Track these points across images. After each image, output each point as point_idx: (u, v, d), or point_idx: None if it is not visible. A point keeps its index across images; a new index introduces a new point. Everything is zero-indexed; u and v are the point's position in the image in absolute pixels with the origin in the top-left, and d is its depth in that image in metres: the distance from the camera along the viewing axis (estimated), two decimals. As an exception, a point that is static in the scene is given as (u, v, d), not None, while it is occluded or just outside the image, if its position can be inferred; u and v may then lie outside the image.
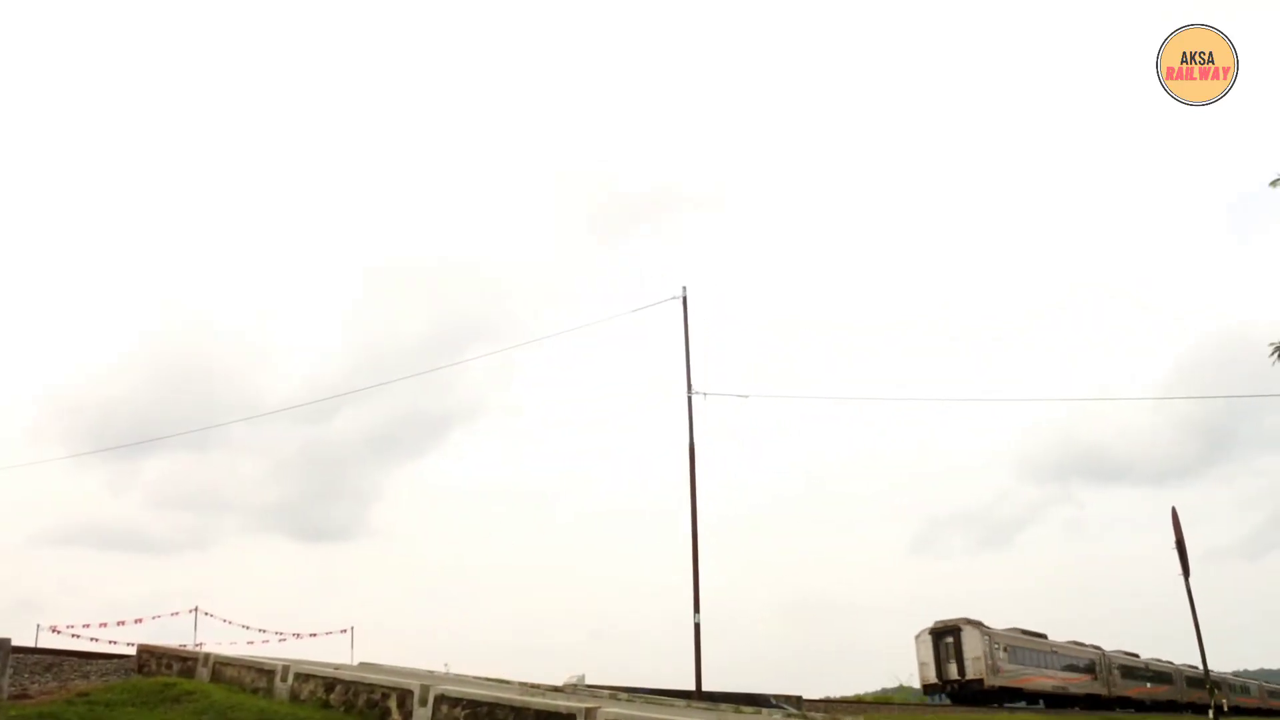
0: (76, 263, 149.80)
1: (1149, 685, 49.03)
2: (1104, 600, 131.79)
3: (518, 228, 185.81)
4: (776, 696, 27.38)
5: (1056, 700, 42.42)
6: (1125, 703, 46.70)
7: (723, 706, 19.57)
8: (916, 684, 42.74)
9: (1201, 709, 45.32)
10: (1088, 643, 46.93)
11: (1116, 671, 46.99)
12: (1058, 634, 44.67)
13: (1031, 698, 41.68)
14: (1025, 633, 42.47)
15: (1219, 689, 51.44)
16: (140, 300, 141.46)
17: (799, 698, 29.14)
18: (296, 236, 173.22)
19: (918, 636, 40.80)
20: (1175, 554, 23.79)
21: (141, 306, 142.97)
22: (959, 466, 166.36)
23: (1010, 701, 39.60)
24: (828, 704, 31.34)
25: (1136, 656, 49.83)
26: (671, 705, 17.61)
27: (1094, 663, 45.99)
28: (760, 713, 18.55)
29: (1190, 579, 23.75)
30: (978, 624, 39.16)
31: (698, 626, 21.91)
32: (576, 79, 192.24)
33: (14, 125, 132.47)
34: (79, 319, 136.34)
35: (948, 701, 38.90)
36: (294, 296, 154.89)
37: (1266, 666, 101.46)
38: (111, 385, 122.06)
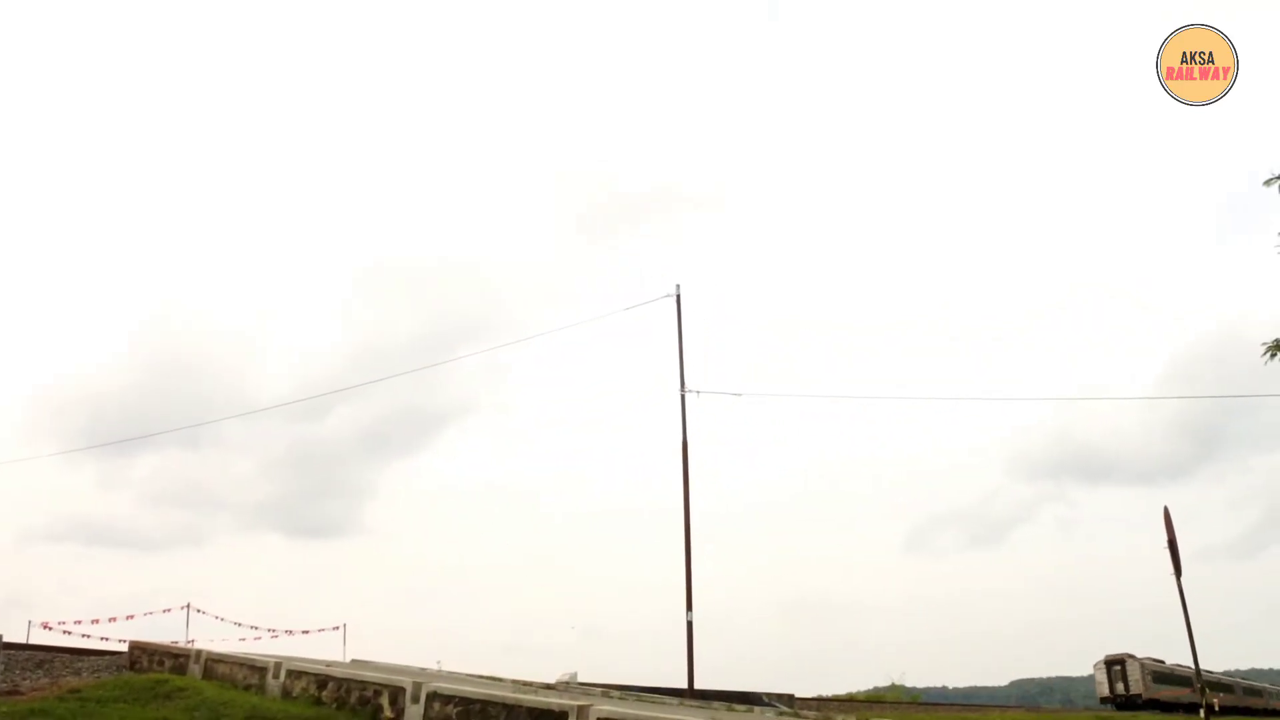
0: (69, 261, 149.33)
1: (1221, 695, 58.79)
2: (1096, 599, 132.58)
3: (517, 228, 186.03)
4: (769, 695, 27.41)
5: (1169, 707, 54.31)
6: (1212, 709, 55.43)
7: (715, 704, 19.56)
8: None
9: (1263, 713, 59.57)
10: (1184, 664, 57.21)
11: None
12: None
13: (1161, 706, 54.46)
14: (1155, 660, 57.04)
15: (1261, 695, 66.04)
16: (133, 298, 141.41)
17: (791, 696, 29.19)
18: (295, 236, 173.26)
19: (1095, 665, 57.85)
20: (1167, 553, 23.76)
21: (135, 304, 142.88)
22: (955, 466, 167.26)
23: (1151, 709, 53.37)
24: (820, 702, 31.39)
25: (1214, 673, 60.10)
26: (664, 703, 17.58)
27: (1190, 679, 57.15)
28: (752, 711, 18.53)
29: (1182, 578, 23.75)
30: (1134, 656, 56.03)
31: (690, 625, 21.85)
32: (576, 79, 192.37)
33: (14, 125, 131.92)
34: (71, 316, 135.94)
35: (1114, 709, 53.92)
36: (291, 295, 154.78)
37: (1258, 666, 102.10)
38: (104, 382, 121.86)
